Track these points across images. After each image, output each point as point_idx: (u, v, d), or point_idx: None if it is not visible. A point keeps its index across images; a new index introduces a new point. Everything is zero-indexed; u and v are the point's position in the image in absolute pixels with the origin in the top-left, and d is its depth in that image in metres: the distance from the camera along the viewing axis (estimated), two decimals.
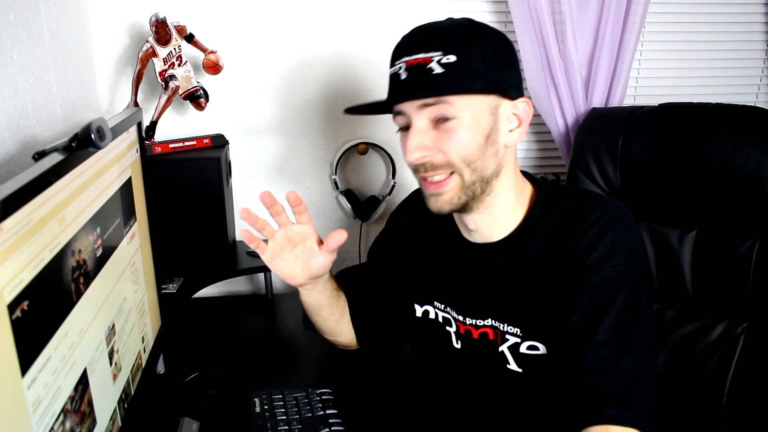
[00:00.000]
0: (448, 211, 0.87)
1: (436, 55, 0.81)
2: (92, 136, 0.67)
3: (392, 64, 0.87)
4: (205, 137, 1.41)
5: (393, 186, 1.57)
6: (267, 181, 1.55)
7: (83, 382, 0.70)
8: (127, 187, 0.93)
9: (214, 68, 1.38)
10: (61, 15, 1.16)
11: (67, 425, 0.65)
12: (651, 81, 1.66)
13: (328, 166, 1.57)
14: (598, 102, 1.50)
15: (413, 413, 1.06)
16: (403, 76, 0.83)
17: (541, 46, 1.45)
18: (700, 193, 1.11)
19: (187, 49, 1.36)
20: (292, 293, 1.59)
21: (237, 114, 1.50)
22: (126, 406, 0.87)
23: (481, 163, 0.85)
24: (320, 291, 1.00)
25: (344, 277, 1.14)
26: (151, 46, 1.30)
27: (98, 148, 0.69)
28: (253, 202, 1.54)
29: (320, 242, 0.95)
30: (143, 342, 1.00)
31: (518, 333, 0.89)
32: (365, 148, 1.56)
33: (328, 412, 1.00)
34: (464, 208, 0.87)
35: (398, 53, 0.86)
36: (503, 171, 0.88)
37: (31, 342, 0.57)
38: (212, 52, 1.37)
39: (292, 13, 1.46)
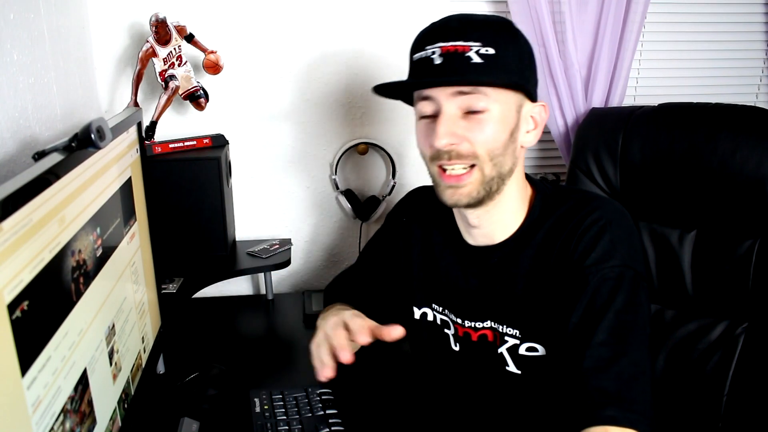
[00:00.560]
0: (465, 204, 0.86)
1: (475, 45, 0.81)
2: (92, 136, 0.67)
3: (421, 49, 0.85)
4: (205, 137, 1.41)
5: (393, 186, 1.57)
6: (267, 181, 1.55)
7: (83, 382, 0.70)
8: (127, 187, 0.93)
9: (214, 68, 1.38)
10: (61, 15, 1.16)
11: (67, 425, 0.65)
12: (651, 81, 1.65)
13: (328, 166, 1.57)
14: (598, 102, 1.50)
15: (413, 413, 1.06)
16: (438, 61, 0.82)
17: (541, 46, 1.45)
18: (700, 193, 1.11)
19: (187, 49, 1.36)
20: (292, 293, 1.60)
21: (237, 114, 1.50)
22: (126, 406, 0.87)
23: (502, 159, 0.85)
24: None
25: (335, 286, 1.14)
26: (151, 46, 1.30)
27: (98, 148, 0.69)
28: (253, 202, 1.56)
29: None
30: (143, 342, 1.00)
31: (517, 334, 0.89)
32: (365, 148, 1.56)
33: (328, 412, 1.00)
34: (479, 203, 0.87)
35: (431, 38, 0.84)
36: (515, 171, 0.88)
37: (31, 342, 0.57)
38: (212, 52, 1.37)
39: (292, 13, 1.46)
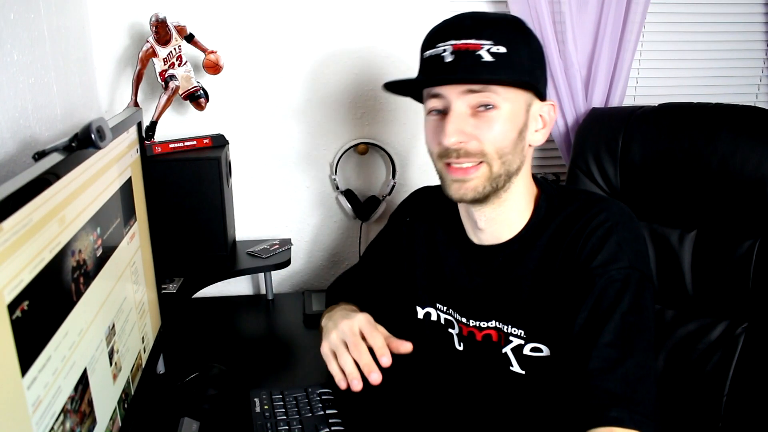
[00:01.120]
0: (471, 198, 0.86)
1: (486, 44, 0.81)
2: (92, 136, 0.67)
3: (432, 46, 0.85)
4: (205, 137, 1.41)
5: (393, 186, 1.57)
6: (267, 181, 1.55)
7: (83, 382, 0.70)
8: (127, 187, 0.93)
9: (214, 68, 1.38)
10: (61, 15, 1.16)
11: (67, 425, 0.65)
12: (651, 81, 1.65)
13: (328, 166, 1.57)
14: (598, 102, 1.50)
15: (414, 413, 1.06)
16: (449, 59, 0.82)
17: None
18: (700, 193, 1.11)
19: (187, 49, 1.36)
20: (292, 293, 1.60)
21: (237, 114, 1.50)
22: (126, 406, 0.87)
23: (511, 157, 0.85)
24: None
25: (336, 287, 1.14)
26: (151, 46, 1.30)
27: (98, 148, 0.69)
28: (253, 202, 1.56)
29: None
30: (143, 342, 1.00)
31: (522, 335, 0.89)
32: (365, 148, 1.56)
33: (328, 412, 1.00)
34: (485, 199, 0.87)
35: (442, 36, 0.84)
36: (522, 170, 0.89)
37: (31, 342, 0.57)
38: (212, 52, 1.37)
39: (292, 14, 1.46)
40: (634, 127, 1.21)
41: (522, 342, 0.89)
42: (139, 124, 1.02)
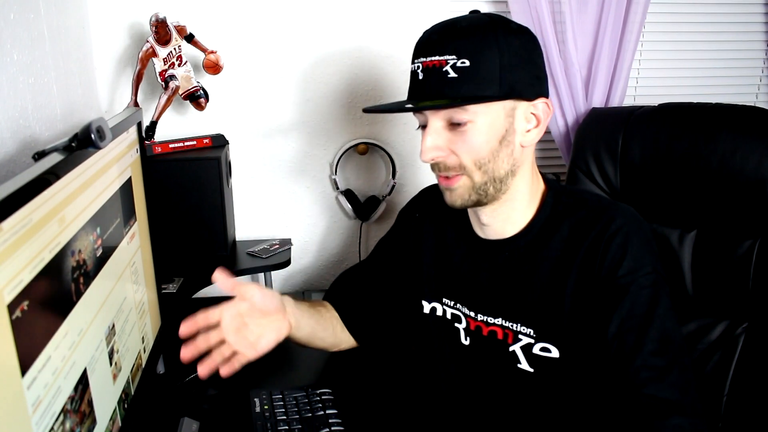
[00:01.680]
0: (460, 206, 0.88)
1: (450, 59, 0.81)
2: (92, 136, 0.67)
3: (412, 62, 0.86)
4: (205, 137, 1.41)
5: (393, 186, 1.57)
6: (267, 181, 1.55)
7: (83, 382, 0.70)
8: (127, 187, 0.93)
9: (214, 68, 1.38)
10: (61, 15, 1.16)
11: (67, 425, 0.65)
12: (651, 81, 1.65)
13: (328, 166, 1.57)
14: (598, 102, 1.50)
15: (414, 413, 1.06)
16: (420, 76, 0.84)
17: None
18: (700, 193, 1.11)
19: (187, 49, 1.36)
20: (292, 293, 1.59)
21: (237, 114, 1.50)
22: (126, 406, 0.87)
23: (493, 165, 0.85)
24: (302, 319, 0.97)
25: (338, 283, 1.14)
26: (151, 46, 1.30)
27: (98, 148, 0.69)
28: (253, 202, 1.56)
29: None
30: (143, 342, 1.00)
31: (531, 333, 0.89)
32: (365, 148, 1.56)
33: (328, 412, 1.00)
34: (477, 204, 0.88)
35: (417, 52, 0.85)
36: (520, 170, 0.88)
37: (31, 342, 0.57)
38: (212, 52, 1.37)
39: (292, 14, 1.46)
40: (634, 127, 1.21)
41: (531, 341, 0.89)
42: (139, 124, 1.02)
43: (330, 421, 0.98)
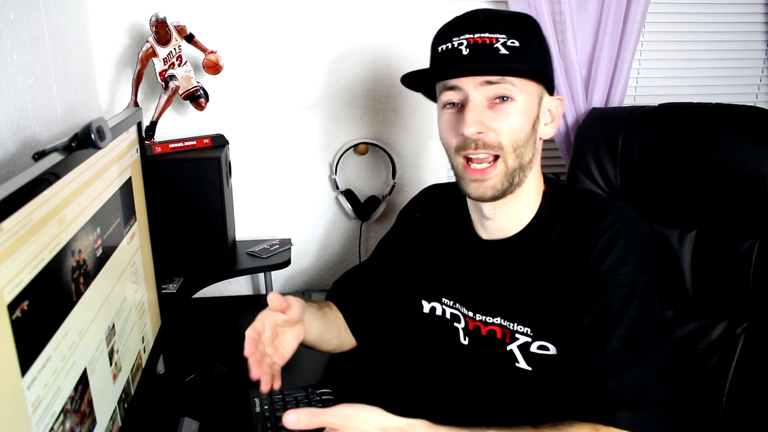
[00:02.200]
0: (490, 197, 0.87)
1: (501, 38, 0.83)
2: (92, 136, 0.67)
3: (447, 40, 0.86)
4: (205, 137, 1.41)
5: (393, 186, 1.57)
6: (267, 181, 1.55)
7: (83, 382, 0.70)
8: (127, 187, 0.93)
9: (214, 68, 1.38)
10: (61, 15, 1.16)
11: (67, 425, 0.65)
12: (651, 81, 1.65)
13: (328, 166, 1.57)
14: (598, 102, 1.50)
15: (413, 412, 1.05)
16: (465, 52, 0.83)
17: None
18: (700, 193, 1.11)
19: (187, 49, 1.36)
20: (292, 293, 1.59)
21: (237, 114, 1.50)
22: (126, 406, 0.87)
23: (524, 150, 0.86)
24: (313, 323, 0.98)
25: (342, 283, 1.14)
26: (151, 46, 1.30)
27: (98, 148, 0.69)
28: (253, 202, 1.56)
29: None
30: (143, 342, 1.00)
31: (528, 332, 0.89)
32: (365, 148, 1.56)
33: None
34: (503, 195, 0.87)
35: (457, 30, 0.85)
36: (534, 164, 0.90)
37: (31, 342, 0.57)
38: (212, 52, 1.37)
39: (292, 14, 1.46)
40: (634, 127, 1.21)
41: (529, 340, 0.89)
42: (139, 124, 1.02)
43: None
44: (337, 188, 1.57)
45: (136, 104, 1.34)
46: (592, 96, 1.50)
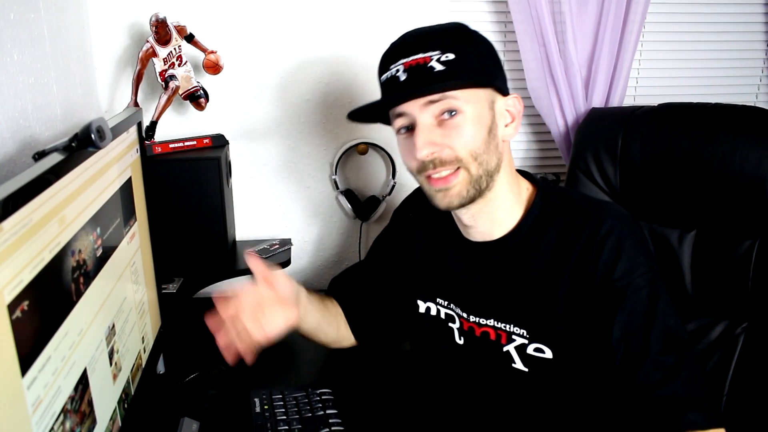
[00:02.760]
0: (457, 205, 0.87)
1: (434, 54, 0.82)
2: (92, 136, 0.67)
3: (385, 69, 0.87)
4: (205, 137, 1.41)
5: (393, 186, 1.57)
6: (267, 181, 1.55)
7: (83, 382, 0.70)
8: (127, 187, 0.93)
9: (214, 68, 1.38)
10: (61, 15, 1.16)
11: (67, 425, 0.65)
12: (651, 81, 1.65)
13: (328, 166, 1.57)
14: (598, 102, 1.50)
15: (414, 412, 1.06)
16: (403, 77, 0.84)
17: (541, 46, 1.45)
18: (700, 193, 1.11)
19: (187, 49, 1.36)
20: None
21: (237, 114, 1.50)
22: (126, 406, 0.87)
23: (486, 157, 0.85)
24: (311, 312, 0.99)
25: (341, 280, 1.14)
26: (151, 46, 1.30)
27: (98, 148, 0.69)
28: (253, 202, 1.56)
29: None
30: (143, 342, 1.00)
31: (525, 334, 0.89)
32: (365, 148, 1.56)
33: (328, 412, 1.00)
34: (471, 201, 0.87)
35: (392, 57, 0.86)
36: (502, 166, 0.89)
37: (31, 342, 0.57)
38: (212, 52, 1.37)
39: (292, 14, 1.46)
40: (633, 127, 1.21)
41: (525, 341, 0.89)
42: (139, 124, 1.02)
43: (330, 421, 0.98)
44: (337, 188, 1.57)
45: (136, 104, 1.34)
46: (592, 96, 1.50)
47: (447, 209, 0.88)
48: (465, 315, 0.96)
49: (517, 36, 1.48)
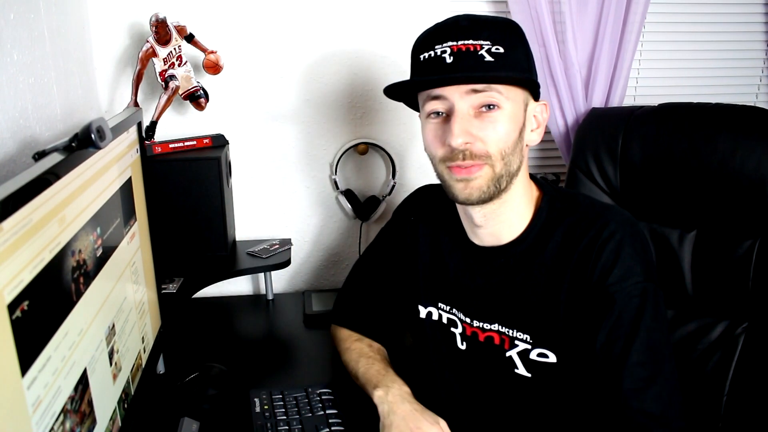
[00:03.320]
0: (476, 199, 0.85)
1: (485, 44, 0.81)
2: (92, 136, 0.67)
3: (429, 48, 0.84)
4: (205, 137, 1.41)
5: (393, 186, 1.57)
6: (267, 181, 1.55)
7: (83, 382, 0.70)
8: (127, 187, 0.93)
9: (214, 68, 1.38)
10: (61, 15, 1.16)
11: (67, 425, 0.65)
12: (651, 81, 1.65)
13: (328, 166, 1.57)
14: (598, 102, 1.50)
15: None
16: (449, 60, 0.82)
17: (541, 46, 1.45)
18: (700, 193, 1.11)
19: (187, 49, 1.36)
20: (292, 293, 1.60)
21: (237, 114, 1.50)
22: (126, 406, 0.87)
23: (512, 158, 0.85)
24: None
25: (347, 299, 1.15)
26: (151, 46, 1.30)
27: (98, 148, 0.69)
28: (253, 202, 1.56)
29: None
30: (143, 342, 1.00)
31: (528, 339, 0.89)
32: (365, 148, 1.56)
33: (328, 412, 1.00)
34: (490, 199, 0.86)
35: (439, 38, 0.84)
36: (521, 170, 0.88)
37: (31, 342, 0.57)
38: (212, 52, 1.37)
39: (292, 14, 1.46)
40: (634, 127, 1.21)
41: (528, 347, 0.89)
42: (139, 124, 1.02)
43: (330, 421, 0.98)
44: (337, 188, 1.56)
45: (136, 104, 1.34)
46: (592, 96, 1.50)
47: (465, 202, 0.87)
48: (468, 320, 0.95)
49: None
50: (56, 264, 0.63)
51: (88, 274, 0.73)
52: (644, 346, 0.81)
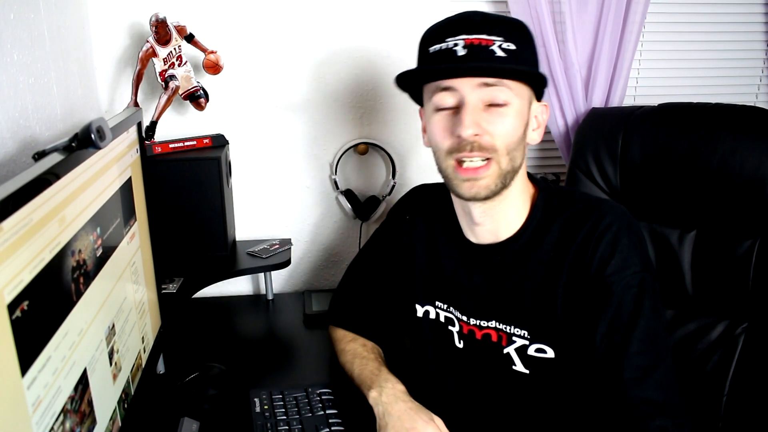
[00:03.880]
0: (484, 196, 0.86)
1: (498, 40, 0.82)
2: (92, 136, 0.67)
3: (439, 41, 0.85)
4: (205, 137, 1.41)
5: (393, 186, 1.57)
6: (267, 181, 1.55)
7: (83, 382, 0.70)
8: (127, 187, 0.93)
9: (214, 68, 1.38)
10: (61, 15, 1.16)
11: (67, 425, 0.65)
12: (651, 81, 1.65)
13: (328, 166, 1.57)
14: (598, 102, 1.50)
15: None
16: (462, 52, 0.82)
17: (541, 46, 1.45)
18: (700, 193, 1.11)
19: (187, 49, 1.36)
20: (292, 293, 1.60)
21: (237, 114, 1.50)
22: (126, 406, 0.87)
23: (516, 154, 0.86)
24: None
25: (343, 299, 1.15)
26: (151, 46, 1.30)
27: (98, 148, 0.69)
28: (253, 202, 1.56)
29: None
30: (143, 342, 1.00)
31: (526, 335, 0.89)
32: (365, 148, 1.56)
33: (328, 412, 1.00)
34: (495, 195, 0.86)
35: (452, 31, 0.84)
36: (522, 167, 0.89)
37: (31, 342, 0.57)
38: (212, 52, 1.37)
39: (292, 14, 1.46)
40: (633, 127, 1.21)
41: (526, 342, 0.89)
42: (139, 124, 1.02)
43: (330, 421, 0.98)
44: (337, 188, 1.56)
45: (136, 104, 1.34)
46: (592, 96, 1.50)
47: (471, 199, 0.87)
48: (465, 318, 0.95)
49: None
50: (56, 264, 0.63)
51: (88, 274, 0.73)
52: (644, 335, 0.81)
